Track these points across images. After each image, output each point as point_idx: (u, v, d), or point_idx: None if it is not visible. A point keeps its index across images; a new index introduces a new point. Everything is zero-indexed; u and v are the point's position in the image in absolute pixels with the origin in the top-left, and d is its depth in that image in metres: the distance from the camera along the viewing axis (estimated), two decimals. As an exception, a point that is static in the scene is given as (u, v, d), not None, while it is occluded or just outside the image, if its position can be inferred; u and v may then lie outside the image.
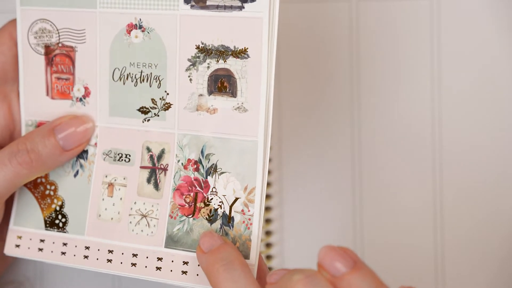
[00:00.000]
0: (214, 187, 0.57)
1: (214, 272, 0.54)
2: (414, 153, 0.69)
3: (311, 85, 0.70)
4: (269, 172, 0.67)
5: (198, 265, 0.57)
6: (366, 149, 0.69)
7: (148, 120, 0.59)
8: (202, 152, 0.57)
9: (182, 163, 0.58)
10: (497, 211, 0.67)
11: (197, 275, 0.57)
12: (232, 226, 0.56)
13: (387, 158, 0.69)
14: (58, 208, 0.61)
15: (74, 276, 0.71)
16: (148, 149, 0.59)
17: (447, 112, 0.69)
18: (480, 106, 0.69)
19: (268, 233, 0.69)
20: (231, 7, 0.56)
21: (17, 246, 0.61)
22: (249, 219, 0.56)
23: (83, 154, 0.61)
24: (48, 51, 0.61)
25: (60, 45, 0.61)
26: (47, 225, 0.61)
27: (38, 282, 0.72)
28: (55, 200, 0.61)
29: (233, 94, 0.56)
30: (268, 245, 0.69)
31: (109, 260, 0.59)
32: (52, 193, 0.61)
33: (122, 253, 0.59)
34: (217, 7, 0.56)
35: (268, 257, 0.69)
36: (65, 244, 0.60)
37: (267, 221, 0.68)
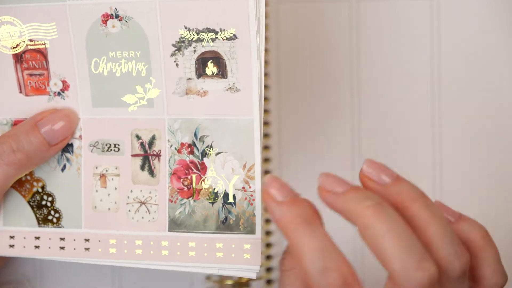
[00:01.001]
0: (211, 168, 0.58)
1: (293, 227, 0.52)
2: (414, 153, 0.69)
3: (311, 85, 0.70)
4: (269, 172, 0.68)
5: (205, 245, 0.58)
6: (366, 148, 0.69)
7: (135, 108, 0.59)
8: (195, 134, 0.58)
9: (175, 148, 0.58)
10: (497, 211, 0.68)
11: (205, 254, 0.58)
12: (235, 204, 0.58)
13: (387, 158, 0.67)
14: (49, 204, 0.60)
15: (74, 275, 0.71)
16: (138, 137, 0.59)
17: (447, 112, 0.69)
18: (480, 106, 0.69)
19: (268, 233, 0.70)
20: (214, -10, 0.56)
21: (11, 246, 0.61)
22: (251, 195, 0.58)
23: (68, 148, 0.60)
24: (16, 48, 0.59)
25: (28, 41, 0.59)
26: (40, 222, 0.61)
27: (38, 281, 0.71)
28: (45, 197, 0.60)
29: (223, 75, 0.57)
30: (268, 245, 0.70)
31: (113, 250, 0.59)
32: (40, 190, 0.60)
33: (125, 242, 0.59)
34: (199, -9, 0.56)
35: (268, 257, 0.70)
36: (62, 239, 0.60)
37: (267, 221, 0.69)
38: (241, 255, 0.58)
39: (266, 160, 0.69)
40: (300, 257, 0.51)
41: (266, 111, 0.69)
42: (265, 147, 0.69)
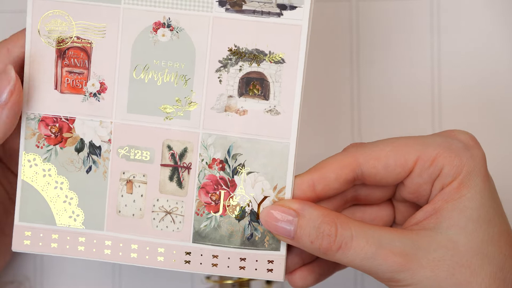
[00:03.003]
0: (241, 186, 0.59)
1: None
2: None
3: (311, 85, 0.71)
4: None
5: (228, 258, 0.59)
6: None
7: (171, 118, 0.59)
8: (228, 152, 0.59)
9: (206, 162, 0.59)
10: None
11: (228, 266, 0.59)
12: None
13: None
14: (70, 203, 0.60)
15: (75, 275, 0.70)
16: (169, 147, 0.60)
17: (447, 113, 0.71)
18: (480, 105, 0.70)
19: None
20: (269, 13, 0.57)
21: (26, 242, 0.60)
22: None
23: (95, 150, 0.60)
24: (61, 43, 0.59)
25: (75, 38, 0.59)
26: (59, 221, 0.60)
27: (38, 282, 0.70)
28: (67, 196, 0.60)
29: (265, 97, 0.58)
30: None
31: (134, 254, 0.60)
32: (61, 188, 0.60)
33: (147, 248, 0.60)
34: (254, 12, 0.57)
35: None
36: (82, 239, 0.60)
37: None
38: (264, 269, 0.59)
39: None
40: None
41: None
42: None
